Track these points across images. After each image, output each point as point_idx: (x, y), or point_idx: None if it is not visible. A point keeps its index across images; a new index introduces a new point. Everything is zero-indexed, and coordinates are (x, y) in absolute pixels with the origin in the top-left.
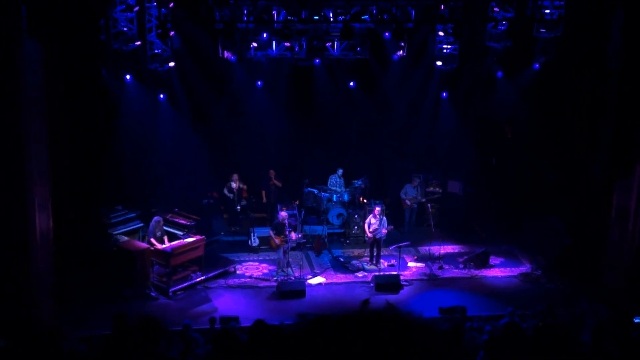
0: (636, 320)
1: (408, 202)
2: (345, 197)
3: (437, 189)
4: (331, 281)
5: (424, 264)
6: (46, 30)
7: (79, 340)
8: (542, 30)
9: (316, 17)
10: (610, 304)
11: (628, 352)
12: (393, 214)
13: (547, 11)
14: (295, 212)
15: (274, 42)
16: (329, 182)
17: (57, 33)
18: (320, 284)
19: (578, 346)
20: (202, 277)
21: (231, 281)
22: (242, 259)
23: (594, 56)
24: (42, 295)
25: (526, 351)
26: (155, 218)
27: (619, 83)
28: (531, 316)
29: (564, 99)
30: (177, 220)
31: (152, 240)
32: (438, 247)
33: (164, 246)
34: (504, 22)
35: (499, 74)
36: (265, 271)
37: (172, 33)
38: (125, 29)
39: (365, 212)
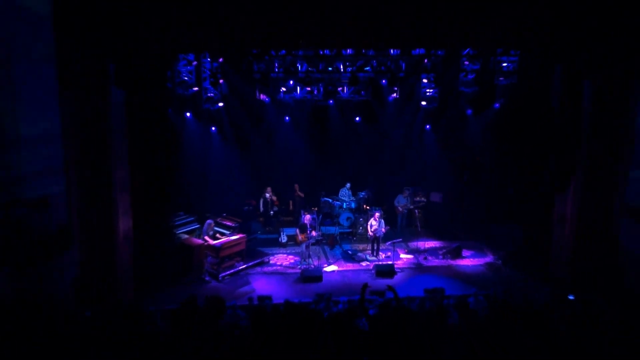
0: (570, 298)
1: (400, 209)
2: (353, 205)
3: (423, 198)
4: (342, 269)
5: (412, 256)
6: (128, 80)
7: (150, 313)
8: (501, 78)
9: (330, 69)
10: (552, 286)
11: (563, 320)
12: (389, 218)
13: (505, 64)
14: (314, 216)
15: (298, 87)
16: (340, 193)
17: (136, 82)
18: (333, 271)
19: (530, 316)
20: (244, 266)
21: (266, 269)
22: (274, 252)
23: (540, 98)
24: (124, 279)
25: (488, 319)
26: (208, 221)
27: (558, 119)
28: (493, 295)
29: (519, 130)
30: (224, 222)
31: (206, 237)
32: (423, 243)
33: (214, 242)
34: (472, 72)
35: (469, 111)
36: (292, 261)
37: (221, 81)
38: (186, 78)
39: (368, 216)
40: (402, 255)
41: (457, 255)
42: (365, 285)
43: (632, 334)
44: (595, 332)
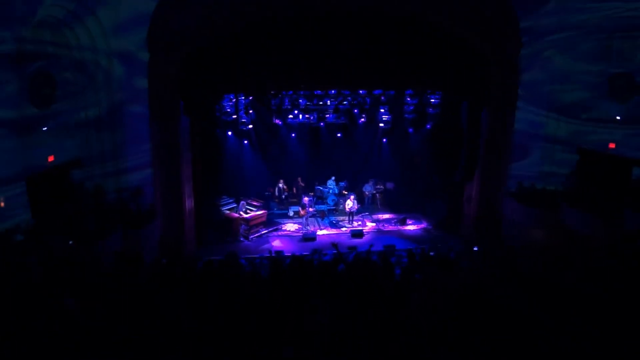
0: (475, 249)
1: (367, 193)
2: (336, 191)
3: (381, 186)
4: (329, 232)
5: (375, 224)
6: (191, 111)
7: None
8: (430, 109)
9: (321, 102)
10: (463, 242)
11: (470, 265)
12: (359, 199)
13: (433, 100)
14: (311, 198)
15: (300, 115)
16: (327, 183)
17: (197, 112)
18: (323, 234)
19: (449, 262)
20: (265, 231)
21: (279, 233)
22: (285, 222)
23: (455, 121)
24: (189, 239)
25: (421, 265)
26: (242, 202)
27: (466, 135)
28: (427, 249)
29: (442, 142)
30: (252, 202)
31: (241, 212)
32: (382, 215)
33: (246, 216)
34: (412, 105)
35: (410, 130)
36: (297, 228)
37: (250, 111)
38: (228, 109)
39: (346, 198)
40: (368, 224)
41: (404, 223)
42: (334, 244)
43: (505, 267)
44: (487, 268)
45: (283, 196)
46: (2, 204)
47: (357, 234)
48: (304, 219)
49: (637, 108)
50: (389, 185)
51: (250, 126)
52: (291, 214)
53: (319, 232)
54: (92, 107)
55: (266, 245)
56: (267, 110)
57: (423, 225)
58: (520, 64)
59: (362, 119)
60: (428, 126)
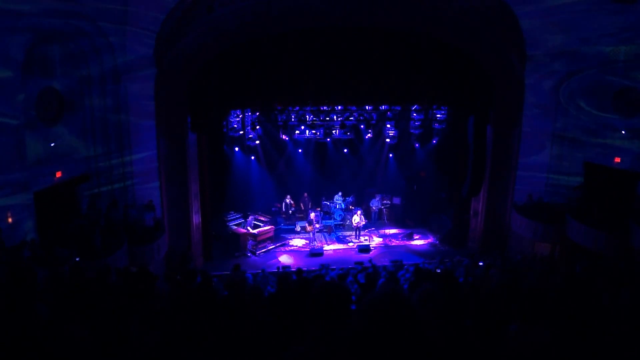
0: (480, 264)
1: (373, 208)
2: (343, 206)
3: (388, 201)
4: (336, 248)
5: (382, 239)
6: (198, 127)
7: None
8: (436, 124)
9: (327, 118)
10: (469, 257)
11: (476, 280)
12: (366, 214)
13: (439, 115)
14: (318, 213)
15: (307, 130)
16: (334, 198)
17: (204, 128)
18: (330, 249)
19: (455, 278)
20: (272, 246)
21: (286, 248)
22: (292, 237)
23: (462, 136)
24: (196, 254)
25: (428, 280)
26: (250, 217)
27: (472, 150)
28: (433, 263)
29: (448, 156)
30: (260, 218)
31: (248, 228)
32: (388, 230)
33: (254, 231)
34: (418, 120)
35: (417, 145)
36: (304, 243)
37: (257, 127)
38: (235, 125)
39: (353, 213)
40: (375, 239)
41: (410, 238)
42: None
43: (511, 280)
44: (491, 282)
45: (290, 211)
46: (10, 220)
47: (365, 249)
48: (311, 234)
49: None
50: (396, 200)
51: (257, 142)
52: (298, 229)
53: (326, 248)
54: (100, 123)
55: (273, 260)
56: (274, 126)
57: (430, 239)
58: (525, 80)
59: (369, 135)
60: (434, 141)
